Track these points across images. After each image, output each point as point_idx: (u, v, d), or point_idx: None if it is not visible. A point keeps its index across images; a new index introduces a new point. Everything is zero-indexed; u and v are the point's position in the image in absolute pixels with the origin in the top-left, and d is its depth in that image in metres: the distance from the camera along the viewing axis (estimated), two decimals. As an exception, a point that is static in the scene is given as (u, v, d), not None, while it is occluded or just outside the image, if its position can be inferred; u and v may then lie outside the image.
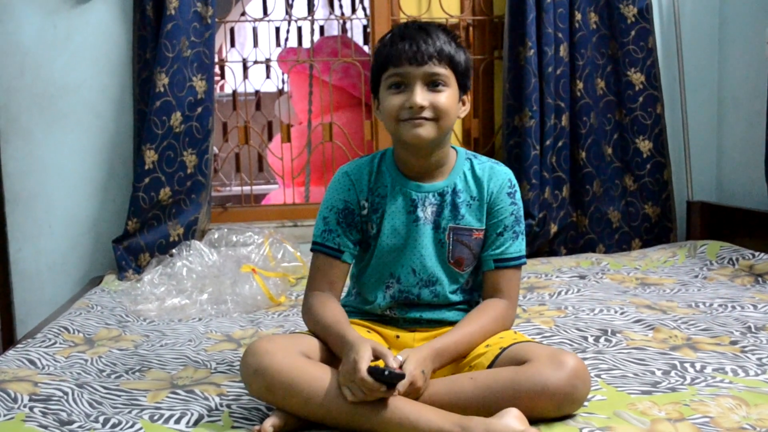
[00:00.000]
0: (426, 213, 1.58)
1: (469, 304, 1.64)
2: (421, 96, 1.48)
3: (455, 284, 1.61)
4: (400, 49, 1.49)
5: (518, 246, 1.59)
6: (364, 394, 1.29)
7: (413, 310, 1.61)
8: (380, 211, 1.60)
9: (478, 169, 1.60)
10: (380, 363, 1.32)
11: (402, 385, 1.30)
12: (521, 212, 1.61)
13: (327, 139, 3.37)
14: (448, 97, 1.50)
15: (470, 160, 1.62)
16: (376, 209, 1.60)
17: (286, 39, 3.91)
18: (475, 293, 1.65)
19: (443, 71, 1.50)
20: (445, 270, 1.60)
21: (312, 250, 1.62)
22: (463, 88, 1.56)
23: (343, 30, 4.18)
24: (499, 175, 1.60)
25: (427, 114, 1.49)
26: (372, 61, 1.58)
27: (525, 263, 1.63)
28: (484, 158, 1.64)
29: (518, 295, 1.64)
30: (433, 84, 1.50)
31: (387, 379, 1.28)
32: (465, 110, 1.60)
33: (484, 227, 1.59)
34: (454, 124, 1.60)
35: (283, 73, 3.99)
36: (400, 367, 1.33)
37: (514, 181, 1.62)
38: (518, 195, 1.62)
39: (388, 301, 1.61)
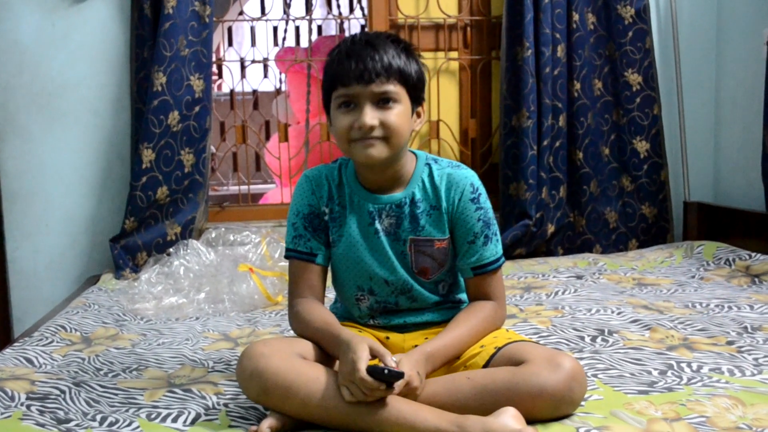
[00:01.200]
0: (384, 225, 1.56)
1: (452, 302, 1.63)
2: (370, 116, 1.45)
3: (429, 289, 1.60)
4: (347, 67, 1.46)
5: (493, 249, 1.56)
6: (363, 394, 1.29)
7: (396, 316, 1.61)
8: (338, 221, 1.59)
9: (437, 177, 1.56)
10: (377, 362, 1.32)
11: (399, 385, 1.30)
12: (489, 214, 1.57)
13: (325, 138, 3.37)
14: (398, 114, 1.47)
15: (429, 165, 1.58)
16: (335, 218, 1.59)
17: (284, 39, 3.90)
18: (454, 291, 1.64)
19: (392, 88, 1.46)
20: (414, 279, 1.58)
21: (286, 257, 1.61)
22: (416, 101, 1.53)
23: (341, 30, 4.17)
24: (458, 182, 1.56)
25: (377, 133, 1.46)
26: (322, 76, 1.55)
27: (503, 262, 1.60)
28: (445, 162, 1.60)
29: (505, 293, 1.62)
30: (382, 101, 1.46)
31: (387, 378, 1.27)
32: (420, 122, 1.57)
33: (446, 236, 1.57)
34: (410, 138, 1.56)
35: (280, 73, 3.99)
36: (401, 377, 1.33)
37: (477, 184, 1.57)
38: (483, 197, 1.57)
39: (366, 312, 1.61)
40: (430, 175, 1.57)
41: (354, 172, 1.59)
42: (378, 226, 1.56)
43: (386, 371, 1.27)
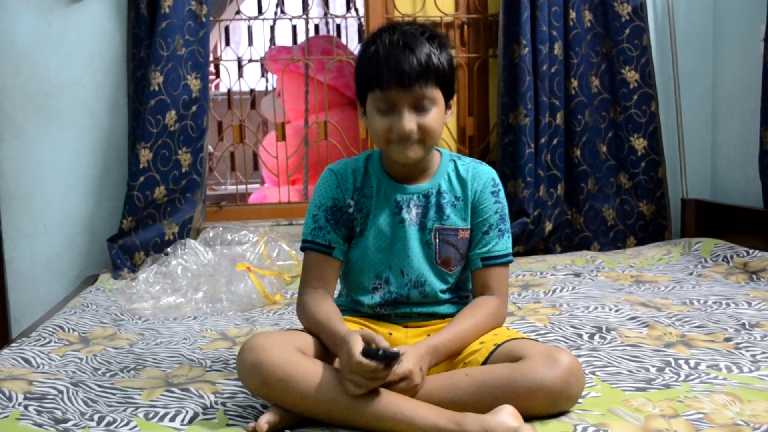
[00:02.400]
0: (411, 215, 1.59)
1: (459, 298, 1.65)
2: (408, 121, 1.48)
3: (443, 284, 1.61)
4: (385, 70, 1.47)
5: (504, 244, 1.60)
6: (366, 380, 1.29)
7: (403, 306, 1.62)
8: (365, 211, 1.60)
9: (462, 170, 1.61)
10: (372, 346, 1.32)
11: (398, 374, 1.31)
12: (506, 210, 1.62)
13: (322, 137, 3.37)
14: (435, 117, 1.50)
15: (454, 161, 1.63)
16: (361, 209, 1.61)
17: (271, 38, 3.89)
18: (462, 288, 1.66)
19: (430, 92, 1.48)
20: (434, 270, 1.60)
21: (303, 248, 1.62)
22: (449, 96, 1.55)
23: (338, 28, 4.18)
24: (482, 174, 1.61)
25: (414, 136, 1.49)
26: (356, 69, 1.57)
27: (512, 261, 1.63)
28: (468, 159, 1.65)
29: (508, 292, 1.65)
30: (420, 105, 1.49)
31: (382, 358, 1.28)
32: (451, 113, 1.60)
33: (469, 226, 1.60)
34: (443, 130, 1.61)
35: (267, 72, 3.96)
36: (398, 355, 1.33)
37: (498, 180, 1.63)
38: (502, 194, 1.62)
39: (378, 301, 1.62)
40: (456, 169, 1.62)
41: (381, 163, 1.62)
42: (405, 215, 1.59)
43: (381, 352, 1.28)
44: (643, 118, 3.12)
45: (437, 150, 1.64)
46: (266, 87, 3.90)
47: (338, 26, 4.21)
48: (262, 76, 3.51)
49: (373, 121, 1.53)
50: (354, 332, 1.36)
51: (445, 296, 1.62)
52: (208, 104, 2.97)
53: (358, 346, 1.31)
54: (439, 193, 1.60)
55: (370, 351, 1.29)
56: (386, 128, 1.50)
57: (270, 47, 3.81)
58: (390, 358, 1.29)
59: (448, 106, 1.57)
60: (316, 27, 4.00)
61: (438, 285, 1.60)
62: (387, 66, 1.47)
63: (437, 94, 1.51)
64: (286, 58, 3.69)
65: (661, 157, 3.16)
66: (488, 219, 1.59)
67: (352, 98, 3.57)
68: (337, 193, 1.61)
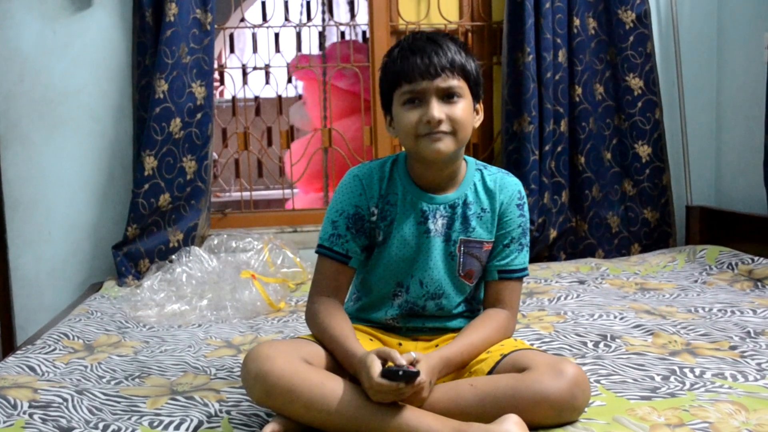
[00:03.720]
0: (437, 225, 1.57)
1: (471, 312, 1.64)
2: (437, 110, 1.46)
3: (461, 296, 1.60)
4: (412, 63, 1.46)
5: (523, 258, 1.59)
6: (389, 397, 1.30)
7: (416, 319, 1.61)
8: (389, 219, 1.57)
9: (489, 181, 1.59)
10: (390, 365, 1.32)
11: (418, 382, 1.31)
12: (528, 225, 1.61)
13: (327, 144, 3.37)
14: (463, 108, 1.49)
15: (480, 170, 1.61)
16: (385, 217, 1.58)
17: (297, 46, 3.90)
18: (475, 301, 1.65)
19: (457, 83, 1.48)
20: (454, 282, 1.59)
21: (318, 252, 1.59)
22: (476, 98, 1.55)
23: (342, 36, 4.18)
24: (509, 186, 1.59)
25: (444, 128, 1.46)
26: (381, 75, 1.56)
27: (527, 275, 1.63)
28: (494, 169, 1.62)
29: (519, 307, 1.64)
30: (447, 96, 1.48)
31: (402, 378, 1.28)
32: (479, 119, 1.58)
33: (493, 239, 1.58)
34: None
35: (293, 79, 3.98)
36: (412, 364, 1.33)
37: (524, 193, 1.61)
38: (526, 207, 1.61)
39: (396, 310, 1.61)
40: (482, 179, 1.60)
41: (406, 169, 1.59)
42: (431, 226, 1.56)
43: (401, 372, 1.28)
44: (648, 125, 3.12)
45: (464, 158, 1.61)
46: (297, 93, 3.93)
47: (342, 33, 4.22)
48: (267, 83, 3.51)
49: (401, 118, 1.50)
50: (370, 353, 1.34)
51: (460, 309, 1.61)
52: (212, 112, 2.97)
53: (376, 368, 1.30)
54: (465, 204, 1.57)
55: (389, 372, 1.29)
56: (415, 121, 1.47)
57: (298, 55, 3.82)
58: (410, 377, 1.29)
59: (476, 110, 1.56)
60: (320, 34, 4.01)
61: (455, 298, 1.59)
62: (414, 58, 1.47)
63: (464, 87, 1.49)
64: (304, 66, 3.68)
65: (666, 164, 3.15)
66: (511, 232, 1.58)
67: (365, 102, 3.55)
68: (361, 200, 1.57)
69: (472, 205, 1.57)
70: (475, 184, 1.59)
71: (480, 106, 1.58)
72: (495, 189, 1.58)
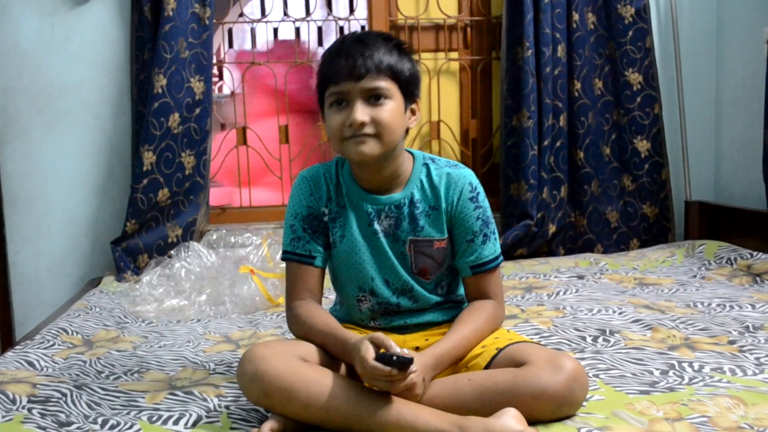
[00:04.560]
0: (383, 226, 1.56)
1: (453, 302, 1.64)
2: (360, 112, 1.44)
3: (431, 287, 1.60)
4: (337, 64, 1.45)
5: (491, 248, 1.56)
6: (383, 384, 1.30)
7: (396, 317, 1.61)
8: (338, 221, 1.58)
9: (435, 176, 1.56)
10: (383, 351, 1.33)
11: (410, 371, 1.30)
12: (488, 213, 1.57)
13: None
14: (390, 110, 1.46)
15: (427, 165, 1.58)
16: (335, 218, 1.58)
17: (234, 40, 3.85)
18: (454, 290, 1.64)
19: (383, 84, 1.45)
20: (414, 279, 1.58)
21: (283, 259, 1.60)
22: (410, 98, 1.52)
23: (341, 30, 4.17)
24: (457, 181, 1.55)
25: (368, 130, 1.45)
26: (316, 72, 1.55)
27: (502, 261, 1.60)
28: (443, 161, 1.59)
29: (503, 292, 1.62)
30: (374, 98, 1.46)
31: (396, 364, 1.29)
32: (416, 120, 1.55)
33: (445, 236, 1.56)
34: (405, 136, 1.55)
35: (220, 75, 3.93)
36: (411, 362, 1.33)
37: (475, 183, 1.57)
38: (481, 196, 1.57)
39: (367, 313, 1.61)
40: (428, 175, 1.57)
41: (350, 171, 1.59)
42: (377, 227, 1.56)
43: (395, 358, 1.29)
44: (647, 120, 3.12)
45: (411, 154, 1.59)
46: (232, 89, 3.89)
47: (341, 28, 4.21)
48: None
49: (329, 120, 1.49)
50: (364, 339, 1.35)
51: (436, 298, 1.60)
52: (211, 107, 2.97)
53: (370, 352, 1.31)
54: (412, 203, 1.55)
55: (383, 356, 1.29)
56: (340, 123, 1.46)
57: (236, 49, 3.78)
58: (404, 364, 1.29)
59: (411, 110, 1.53)
60: (320, 29, 4.00)
61: (425, 291, 1.59)
62: (339, 60, 1.46)
63: (392, 88, 1.47)
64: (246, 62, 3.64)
65: (665, 159, 3.15)
66: (471, 227, 1.55)
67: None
68: (312, 201, 1.58)
69: (419, 203, 1.55)
70: (421, 181, 1.57)
71: (417, 107, 1.55)
72: (440, 185, 1.55)
